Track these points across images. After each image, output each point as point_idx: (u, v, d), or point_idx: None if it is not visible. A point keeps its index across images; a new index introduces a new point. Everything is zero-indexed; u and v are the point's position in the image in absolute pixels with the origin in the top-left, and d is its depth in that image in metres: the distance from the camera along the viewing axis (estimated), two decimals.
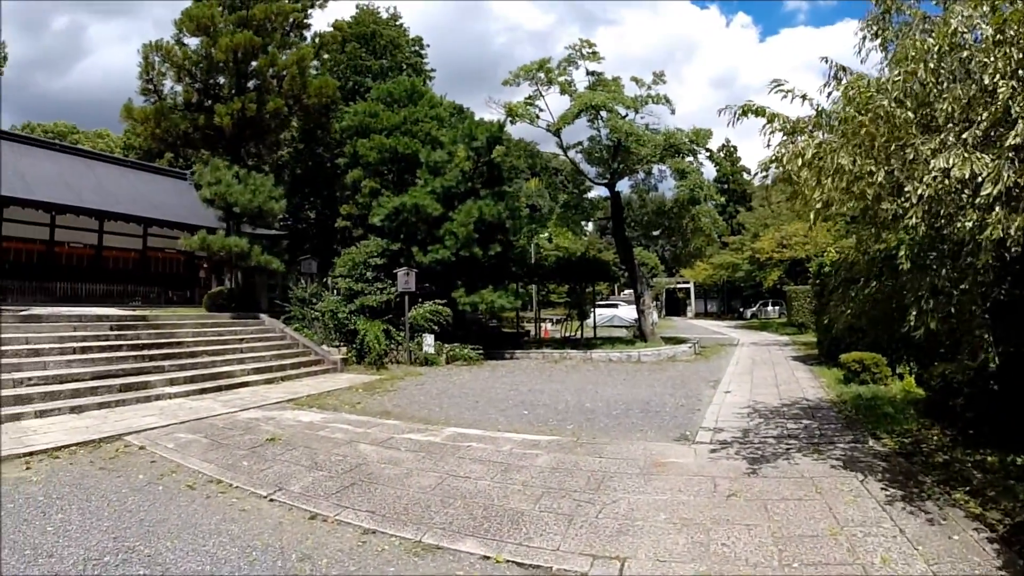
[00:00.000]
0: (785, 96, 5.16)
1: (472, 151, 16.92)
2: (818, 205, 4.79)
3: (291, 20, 20.91)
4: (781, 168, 5.07)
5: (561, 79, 19.35)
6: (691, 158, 19.13)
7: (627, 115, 18.69)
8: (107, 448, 7.27)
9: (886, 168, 4.53)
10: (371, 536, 4.74)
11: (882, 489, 5.26)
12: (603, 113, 18.53)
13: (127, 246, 21.96)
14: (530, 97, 19.48)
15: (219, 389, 11.30)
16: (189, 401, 10.17)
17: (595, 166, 20.94)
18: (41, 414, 8.37)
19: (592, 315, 21.90)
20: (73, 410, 8.76)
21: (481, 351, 16.29)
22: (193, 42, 19.51)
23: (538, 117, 19.50)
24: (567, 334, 21.95)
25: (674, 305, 58.43)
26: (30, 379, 9.09)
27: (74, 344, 10.72)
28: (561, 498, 5.31)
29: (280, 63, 19.64)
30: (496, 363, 16.36)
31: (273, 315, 16.71)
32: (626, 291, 47.20)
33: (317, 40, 23.77)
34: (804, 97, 5.26)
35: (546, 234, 30.39)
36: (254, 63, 19.33)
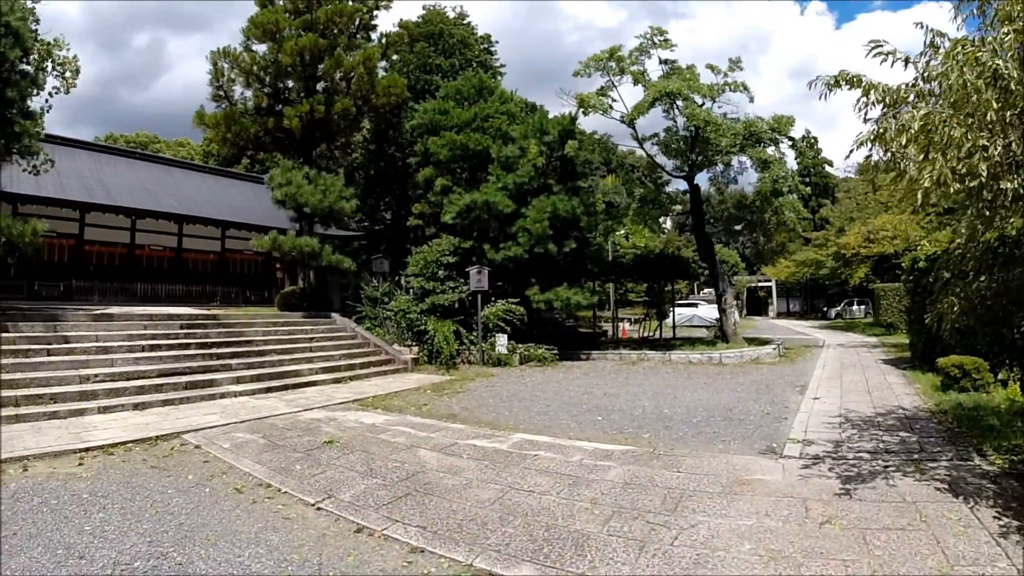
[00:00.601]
0: (884, 60, 4.84)
1: (544, 146, 16.97)
2: (926, 183, 4.37)
3: (356, 21, 21.53)
4: (883, 146, 4.77)
5: (633, 68, 19.27)
6: (772, 148, 18.62)
7: (704, 104, 18.49)
8: (163, 446, 7.31)
9: (1003, 141, 4.30)
10: (418, 556, 4.26)
11: (994, 518, 4.70)
12: (679, 102, 18.37)
13: (206, 248, 23.52)
14: (602, 88, 19.52)
15: (285, 388, 11.39)
16: (253, 400, 10.23)
17: (672, 159, 20.77)
18: (104, 410, 8.61)
19: (671, 314, 21.87)
20: (136, 407, 8.99)
21: (556, 352, 16.20)
22: (261, 48, 20.62)
23: (611, 108, 19.44)
24: (645, 334, 21.90)
25: (755, 304, 58.05)
26: (96, 376, 9.47)
27: (143, 342, 11.17)
28: (633, 520, 4.86)
29: (347, 64, 20.17)
30: (571, 364, 16.22)
31: (345, 315, 17.14)
32: (706, 290, 46.05)
33: (384, 40, 24.31)
34: (907, 61, 4.90)
35: (622, 231, 30.13)
36: (320, 65, 20.00)
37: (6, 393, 8.16)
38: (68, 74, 12.80)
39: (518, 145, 17.63)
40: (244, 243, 22.89)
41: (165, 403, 9.41)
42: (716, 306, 21.98)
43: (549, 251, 16.00)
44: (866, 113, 4.96)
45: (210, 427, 8.17)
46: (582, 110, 18.82)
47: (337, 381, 12.57)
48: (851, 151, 5.67)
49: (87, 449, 6.89)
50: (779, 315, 55.21)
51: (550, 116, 19.05)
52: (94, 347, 10.36)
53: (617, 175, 23.61)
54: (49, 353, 9.71)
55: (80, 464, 6.45)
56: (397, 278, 18.59)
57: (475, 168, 19.35)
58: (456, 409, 9.84)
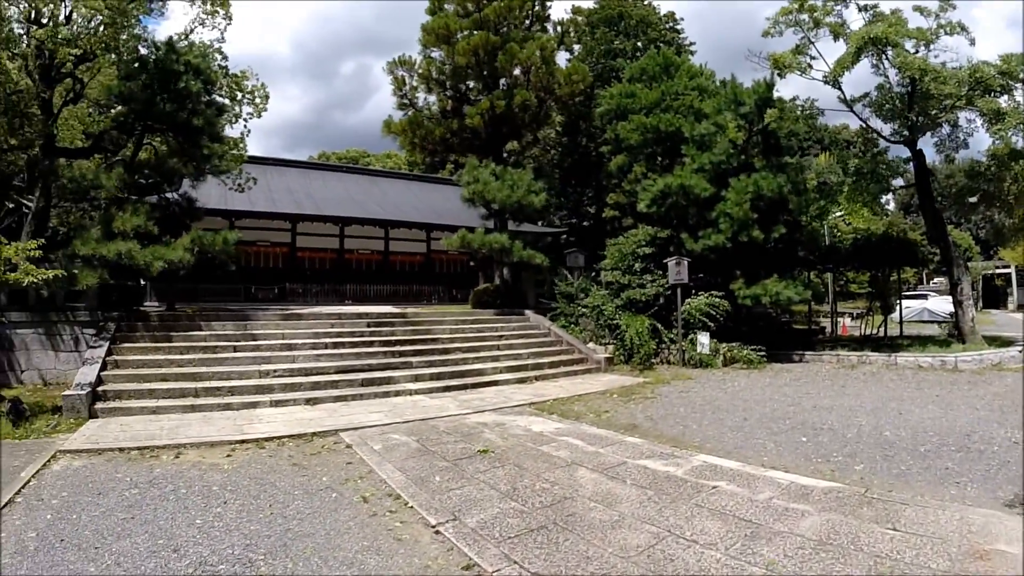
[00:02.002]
0: None
1: (740, 118, 16.81)
2: None
3: (526, 14, 22.33)
4: None
5: (829, 20, 18.44)
6: (1005, 97, 16.79)
7: (917, 51, 17.41)
8: (316, 443, 7.56)
9: None
10: None
11: None
12: (888, 51, 17.36)
13: (412, 250, 26.05)
14: (797, 47, 18.96)
15: (464, 388, 11.42)
16: (426, 399, 10.32)
17: (888, 121, 19.45)
18: (276, 404, 9.37)
19: (898, 308, 21.23)
20: (308, 402, 9.61)
21: (763, 352, 15.64)
22: (438, 54, 22.39)
23: (810, 67, 18.72)
24: (867, 331, 21.07)
25: (991, 295, 52.95)
26: (276, 371, 10.43)
27: (327, 340, 12.15)
28: None
29: (521, 57, 21.04)
30: (780, 367, 15.48)
31: (539, 312, 17.20)
32: (935, 279, 44.19)
33: (559, 28, 24.43)
34: None
35: (838, 212, 29.37)
36: (496, 62, 20.92)
37: (188, 385, 9.34)
38: (258, 100, 15.19)
39: (712, 121, 17.28)
40: None
41: (337, 399, 9.96)
42: (949, 298, 21.05)
43: (754, 238, 15.63)
44: None
45: (370, 426, 8.33)
46: (777, 72, 18.12)
47: (521, 381, 12.26)
48: None
49: (242, 441, 7.40)
50: (1020, 307, 49.45)
51: (744, 87, 18.45)
52: (279, 344, 11.56)
53: (830, 152, 22.25)
54: (236, 350, 11.09)
55: (228, 456, 6.94)
56: (593, 273, 18.68)
57: (669, 151, 19.29)
58: (639, 419, 9.15)
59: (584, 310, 16.48)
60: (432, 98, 22.69)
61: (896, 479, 6.06)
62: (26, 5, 10.60)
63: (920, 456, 6.93)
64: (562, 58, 25.67)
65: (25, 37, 11.08)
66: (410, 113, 21.90)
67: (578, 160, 31.71)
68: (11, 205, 12.26)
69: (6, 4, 10.38)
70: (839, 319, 24.32)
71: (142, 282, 14.91)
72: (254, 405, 9.25)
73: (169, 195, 12.44)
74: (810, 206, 19.32)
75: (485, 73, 20.47)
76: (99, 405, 8.48)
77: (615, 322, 15.56)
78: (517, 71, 21.06)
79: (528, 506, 5.13)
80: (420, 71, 21.46)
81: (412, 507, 5.25)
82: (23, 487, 5.85)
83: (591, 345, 15.15)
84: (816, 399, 10.71)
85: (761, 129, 17.19)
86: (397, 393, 10.64)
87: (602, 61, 32.23)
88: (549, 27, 23.60)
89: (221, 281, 20.20)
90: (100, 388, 8.87)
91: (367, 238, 24.36)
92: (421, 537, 4.64)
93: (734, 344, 15.48)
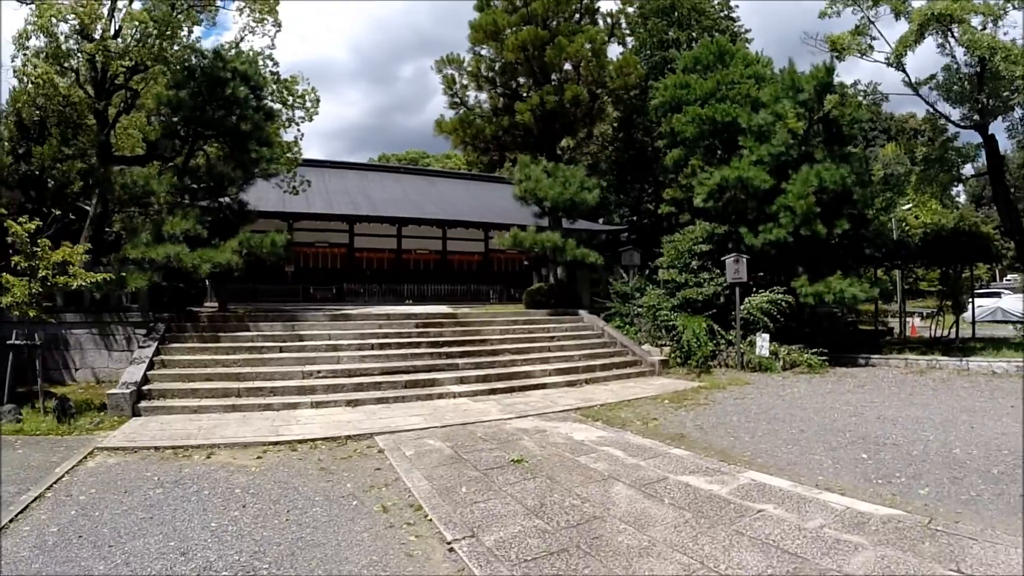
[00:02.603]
0: None
1: (799, 106, 16.16)
2: None
3: (574, 6, 21.79)
4: None
5: None
6: None
7: (984, 28, 16.51)
8: (349, 447, 7.41)
9: None
10: None
11: None
12: (953, 28, 16.54)
13: (470, 250, 26.09)
14: (857, 27, 18.31)
15: (510, 391, 11.03)
16: (470, 402, 10.05)
17: (956, 105, 18.96)
18: (317, 405, 9.30)
19: (970, 307, 20.03)
20: (349, 403, 9.51)
21: (825, 356, 14.79)
22: (487, 51, 22.11)
23: (871, 48, 18.01)
24: (938, 332, 19.96)
25: None
26: (319, 372, 10.39)
27: (373, 340, 12.06)
28: None
29: (570, 50, 20.66)
30: (843, 372, 14.50)
31: (594, 312, 16.74)
32: (1008, 276, 42.27)
33: (609, 21, 23.96)
34: None
35: (906, 205, 28.36)
36: (545, 57, 20.72)
37: (231, 385, 9.40)
38: (308, 104, 15.40)
39: (770, 110, 16.59)
40: None
41: (378, 401, 9.80)
42: None
43: (817, 232, 14.96)
44: None
45: (407, 430, 8.10)
46: (836, 55, 17.39)
47: (571, 384, 11.79)
48: None
49: (275, 443, 7.33)
50: None
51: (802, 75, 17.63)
52: (324, 345, 11.55)
53: (897, 141, 21.28)
54: (281, 350, 11.14)
55: (258, 458, 6.87)
56: (649, 271, 18.12)
57: (726, 143, 18.55)
58: (688, 427, 8.57)
59: (640, 310, 15.88)
60: (483, 96, 22.58)
61: (964, 506, 5.38)
62: (76, 22, 11.05)
63: (992, 480, 6.16)
64: (615, 51, 25.16)
65: (79, 52, 11.59)
66: (461, 112, 21.83)
67: (634, 156, 31.08)
68: (70, 212, 12.89)
69: (54, 21, 10.86)
70: (908, 319, 23.38)
71: (206, 283, 15.31)
72: (294, 406, 9.22)
73: (222, 199, 12.70)
74: (876, 199, 18.50)
75: (535, 69, 20.16)
76: (143, 404, 8.64)
77: (671, 323, 14.94)
78: (567, 66, 20.69)
79: (553, 525, 4.71)
80: (469, 69, 21.34)
81: (431, 520, 4.98)
82: (56, 482, 5.96)
83: (646, 347, 14.51)
84: (880, 409, 9.90)
85: (822, 117, 16.34)
86: (441, 396, 10.39)
87: (656, 53, 31.56)
88: (599, 20, 22.85)
89: (280, 282, 20.74)
90: (145, 387, 9.05)
91: (425, 238, 24.57)
92: (433, 554, 4.38)
93: (795, 347, 14.69)
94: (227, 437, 7.42)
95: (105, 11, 11.84)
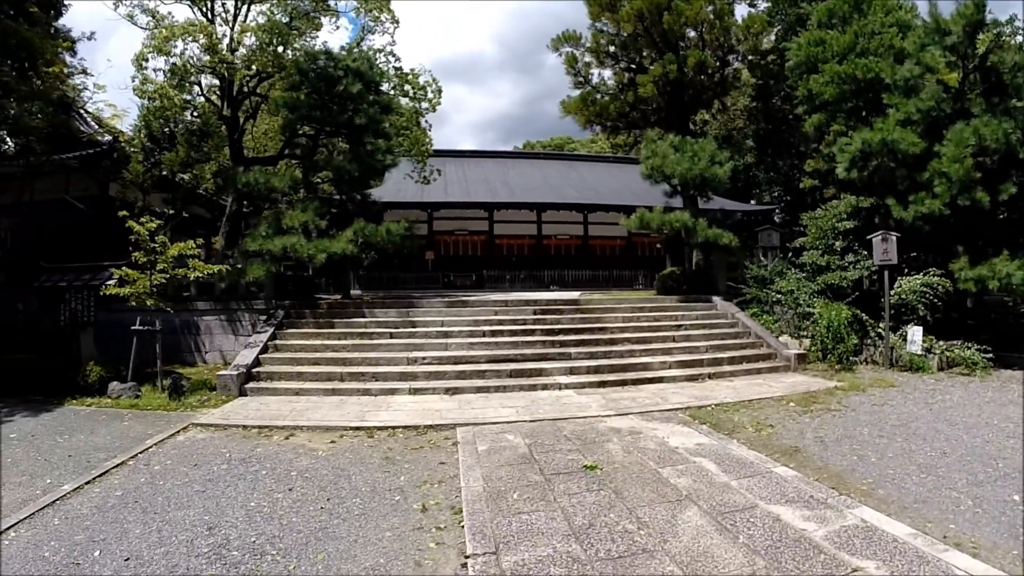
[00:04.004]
0: None
1: (948, 52, 13.90)
2: None
3: None
4: None
5: None
6: None
7: None
8: (426, 437, 7.12)
9: None
10: None
11: None
12: None
13: (612, 235, 24.95)
14: None
15: (622, 384, 10.07)
16: (573, 395, 9.35)
17: None
18: (415, 392, 9.16)
19: None
20: (447, 391, 9.25)
21: (990, 355, 11.97)
22: (607, 26, 20.94)
23: None
24: None
25: None
26: (424, 359, 10.28)
27: (486, 327, 11.74)
28: None
29: (689, 14, 18.85)
30: (1010, 375, 11.55)
31: (729, 298, 14.98)
32: None
33: None
34: None
35: None
36: (663, 24, 18.99)
37: (335, 369, 9.58)
38: (430, 95, 15.61)
39: (915, 60, 14.21)
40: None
41: (478, 390, 9.45)
42: None
43: (978, 201, 12.57)
44: None
45: (493, 423, 7.64)
46: None
47: (691, 379, 10.51)
48: None
49: (357, 428, 7.29)
50: None
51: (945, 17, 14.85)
52: (435, 331, 11.45)
53: None
54: (391, 336, 11.20)
55: (332, 442, 6.82)
56: (790, 253, 15.99)
57: (870, 104, 16.15)
58: (806, 439, 7.04)
59: (779, 296, 13.96)
60: (607, 73, 21.60)
61: None
62: (193, 43, 12.06)
63: None
64: (744, 13, 22.84)
65: (200, 68, 12.65)
66: (584, 90, 20.94)
67: (773, 127, 28.08)
68: (213, 210, 14.25)
69: (170, 42, 11.90)
70: None
71: (348, 273, 16.19)
72: (392, 392, 9.17)
73: (344, 192, 13.18)
74: None
75: (655, 39, 18.78)
76: (250, 384, 9.14)
77: (810, 310, 13.06)
78: (691, 32, 19.05)
79: (589, 554, 3.93)
80: (588, 45, 20.42)
81: (463, 527, 4.50)
82: (142, 452, 6.43)
83: (783, 338, 12.63)
84: None
85: (977, 65, 13.64)
86: (545, 387, 9.76)
87: (789, 11, 28.42)
88: None
89: (420, 270, 21.42)
90: (255, 369, 9.58)
91: (565, 223, 24.02)
92: (443, 568, 3.92)
93: (954, 342, 12.22)
94: (313, 420, 7.51)
95: (224, 31, 12.86)
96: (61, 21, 13.14)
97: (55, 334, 10.31)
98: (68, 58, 12.40)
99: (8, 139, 11.65)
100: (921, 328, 12.04)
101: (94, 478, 5.65)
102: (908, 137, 13.21)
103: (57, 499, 5.12)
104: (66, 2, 13.10)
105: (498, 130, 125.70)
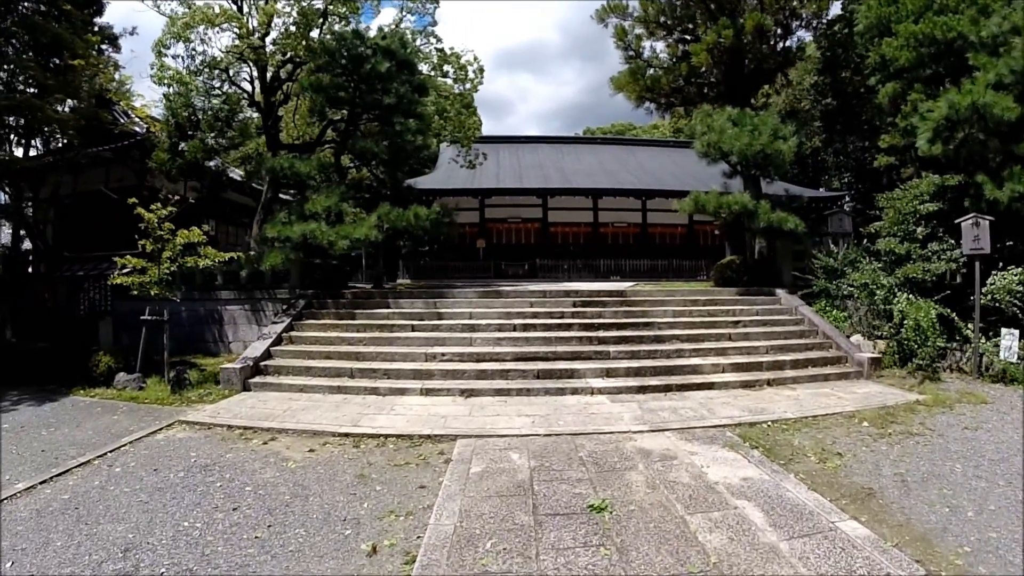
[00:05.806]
0: None
1: None
2: None
3: None
4: None
5: None
6: None
7: None
8: (417, 451, 6.21)
9: None
10: None
11: None
12: None
13: (672, 221, 23.17)
14: None
15: (665, 390, 8.78)
16: (606, 402, 8.17)
17: None
18: (427, 392, 8.32)
19: None
20: (463, 393, 8.34)
21: None
22: None
23: None
24: None
25: None
26: (443, 355, 9.40)
27: (517, 321, 10.72)
28: None
29: None
30: None
31: (794, 291, 13.23)
32: None
33: None
34: None
35: None
36: None
37: (346, 365, 8.86)
38: (471, 74, 14.64)
39: (1001, 15, 12.12)
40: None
41: (497, 393, 8.46)
42: None
43: None
44: None
45: (500, 435, 6.61)
46: None
47: (747, 385, 9.05)
48: None
49: (345, 434, 6.58)
50: None
51: None
52: (461, 324, 10.53)
53: None
54: (413, 329, 10.37)
55: (311, 450, 6.12)
56: (864, 240, 13.98)
57: (952, 68, 14.05)
58: (884, 477, 5.48)
59: (852, 289, 12.09)
60: (659, 45, 19.96)
61: None
62: (215, 28, 11.57)
63: None
64: None
65: (222, 54, 12.19)
66: (633, 64, 19.30)
67: (841, 104, 25.18)
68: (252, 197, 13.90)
69: (203, 37, 11.46)
70: None
71: (397, 260, 15.57)
72: (402, 392, 8.32)
73: (374, 175, 12.51)
74: None
75: (710, 5, 16.87)
76: (256, 379, 8.58)
77: (888, 307, 11.20)
78: None
79: None
80: (637, 15, 18.69)
81: None
82: (112, 451, 6.03)
83: (855, 339, 10.82)
84: None
85: None
86: (575, 391, 8.57)
87: None
88: None
89: (471, 259, 20.58)
90: (264, 363, 9.03)
91: (623, 210, 22.49)
92: None
93: None
94: (303, 422, 6.83)
95: (254, 22, 12.33)
96: (103, 19, 13.24)
97: (78, 323, 10.25)
98: (112, 53, 12.39)
99: (44, 133, 11.74)
100: (1017, 332, 10.05)
101: (51, 477, 5.27)
102: (1001, 101, 11.21)
103: (5, 499, 4.76)
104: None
105: (564, 119, 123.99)
